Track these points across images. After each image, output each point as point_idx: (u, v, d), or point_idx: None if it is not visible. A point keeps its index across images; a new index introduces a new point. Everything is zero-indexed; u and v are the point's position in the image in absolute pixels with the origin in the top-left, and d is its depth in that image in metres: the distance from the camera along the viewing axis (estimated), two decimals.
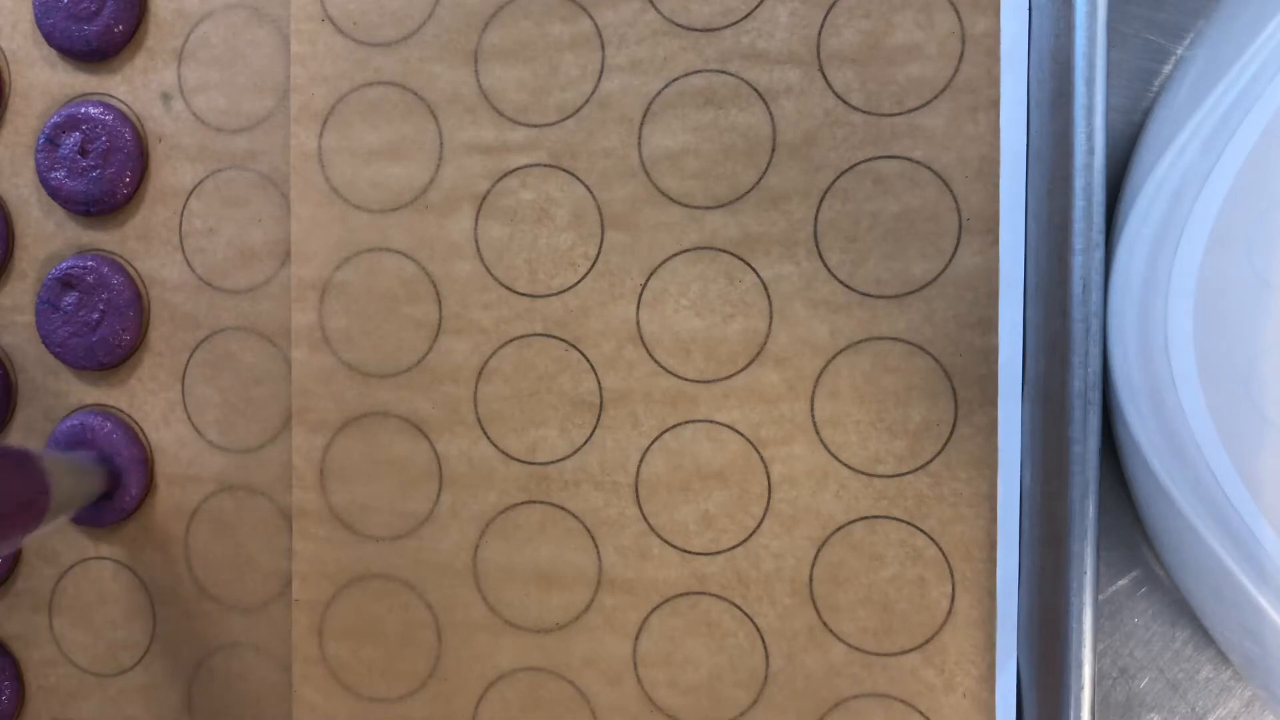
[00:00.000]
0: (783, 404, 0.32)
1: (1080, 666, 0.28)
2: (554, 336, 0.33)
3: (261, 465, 0.36)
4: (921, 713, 0.31)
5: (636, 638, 0.33)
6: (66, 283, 0.37)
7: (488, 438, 0.34)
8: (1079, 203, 0.28)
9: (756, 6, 0.31)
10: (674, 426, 0.32)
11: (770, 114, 0.31)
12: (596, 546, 0.33)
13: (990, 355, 0.30)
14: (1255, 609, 0.25)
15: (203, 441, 0.37)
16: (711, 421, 0.32)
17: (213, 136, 0.36)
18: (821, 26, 0.31)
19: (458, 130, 0.34)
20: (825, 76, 0.31)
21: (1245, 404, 0.25)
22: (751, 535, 0.32)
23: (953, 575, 0.30)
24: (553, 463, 0.33)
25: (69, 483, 0.34)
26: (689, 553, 0.32)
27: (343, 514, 0.35)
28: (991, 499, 0.30)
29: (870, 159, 0.31)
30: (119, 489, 0.36)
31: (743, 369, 0.32)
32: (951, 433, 0.30)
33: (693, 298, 0.32)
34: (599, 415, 0.33)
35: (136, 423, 0.37)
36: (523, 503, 0.34)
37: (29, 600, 0.39)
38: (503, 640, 0.34)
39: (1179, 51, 0.30)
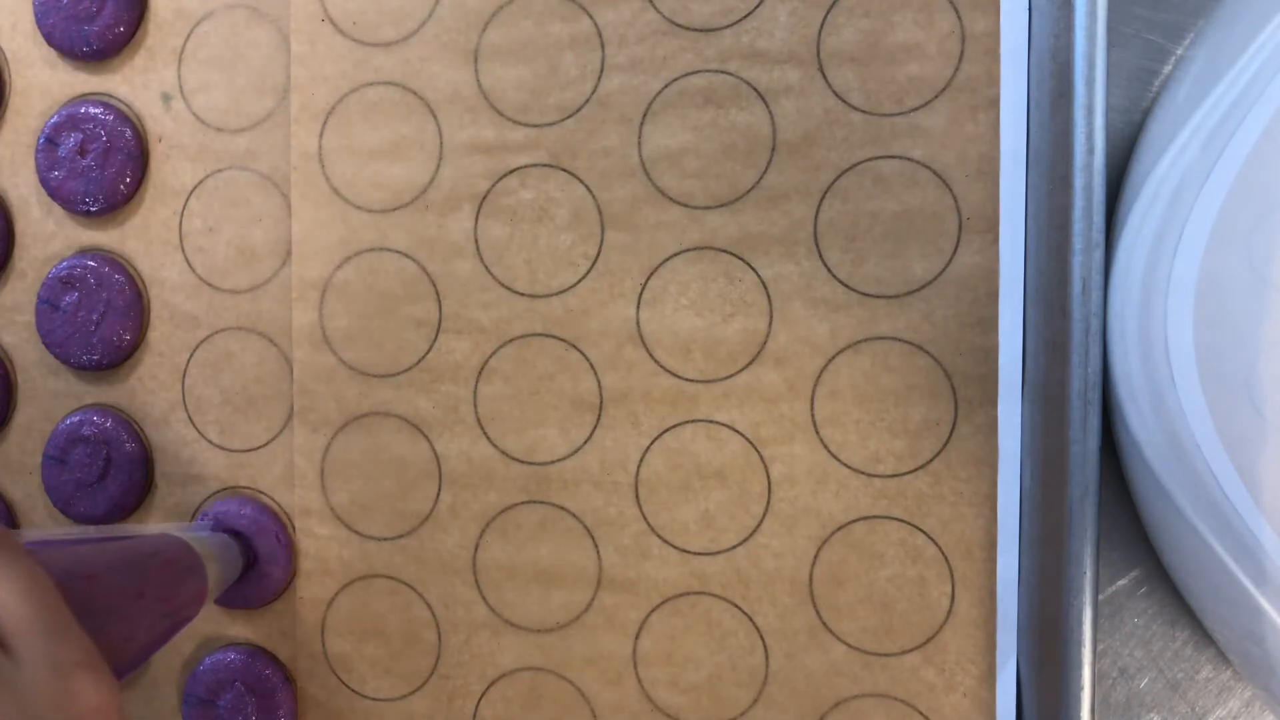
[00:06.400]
0: (783, 403, 0.32)
1: (1080, 666, 0.28)
2: (554, 336, 0.33)
3: (262, 464, 0.36)
4: (921, 712, 0.31)
5: (637, 637, 0.33)
6: (66, 283, 0.37)
7: (487, 437, 0.34)
8: (1079, 203, 0.28)
9: (756, 6, 0.31)
10: (674, 426, 0.32)
11: (770, 113, 0.31)
12: (596, 546, 0.33)
13: (990, 354, 0.30)
14: (1255, 609, 0.25)
15: (203, 441, 0.37)
16: (711, 421, 0.32)
17: (213, 136, 0.36)
18: (821, 26, 0.31)
19: (458, 130, 0.34)
20: (825, 76, 0.31)
21: (1245, 404, 0.25)
22: (751, 535, 0.32)
23: (953, 575, 0.30)
24: (552, 462, 0.33)
25: (217, 566, 0.33)
26: (689, 552, 0.32)
27: (344, 513, 0.35)
28: (991, 498, 0.30)
29: (870, 159, 0.31)
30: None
31: (743, 368, 0.32)
32: (951, 432, 0.30)
33: (692, 297, 0.32)
34: (599, 415, 0.33)
35: (136, 423, 0.37)
36: (523, 502, 0.34)
37: None
38: (503, 639, 0.34)
39: (1179, 51, 0.30)
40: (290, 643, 0.36)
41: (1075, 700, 0.28)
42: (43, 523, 0.38)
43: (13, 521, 0.39)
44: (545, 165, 0.33)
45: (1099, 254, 0.28)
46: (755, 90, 0.31)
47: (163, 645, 0.30)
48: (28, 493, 0.39)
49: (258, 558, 0.35)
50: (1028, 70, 0.29)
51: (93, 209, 0.37)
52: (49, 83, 0.38)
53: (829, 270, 0.31)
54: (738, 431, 0.32)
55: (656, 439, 0.33)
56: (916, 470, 0.31)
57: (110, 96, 0.37)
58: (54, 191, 0.37)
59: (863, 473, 0.31)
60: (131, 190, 0.37)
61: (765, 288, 0.32)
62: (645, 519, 0.33)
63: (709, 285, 0.32)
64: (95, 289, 0.37)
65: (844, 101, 0.31)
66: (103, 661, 0.23)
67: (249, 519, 0.35)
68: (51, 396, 0.38)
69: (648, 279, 0.33)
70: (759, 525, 0.32)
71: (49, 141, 0.37)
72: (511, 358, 0.34)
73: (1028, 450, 0.29)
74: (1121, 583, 0.31)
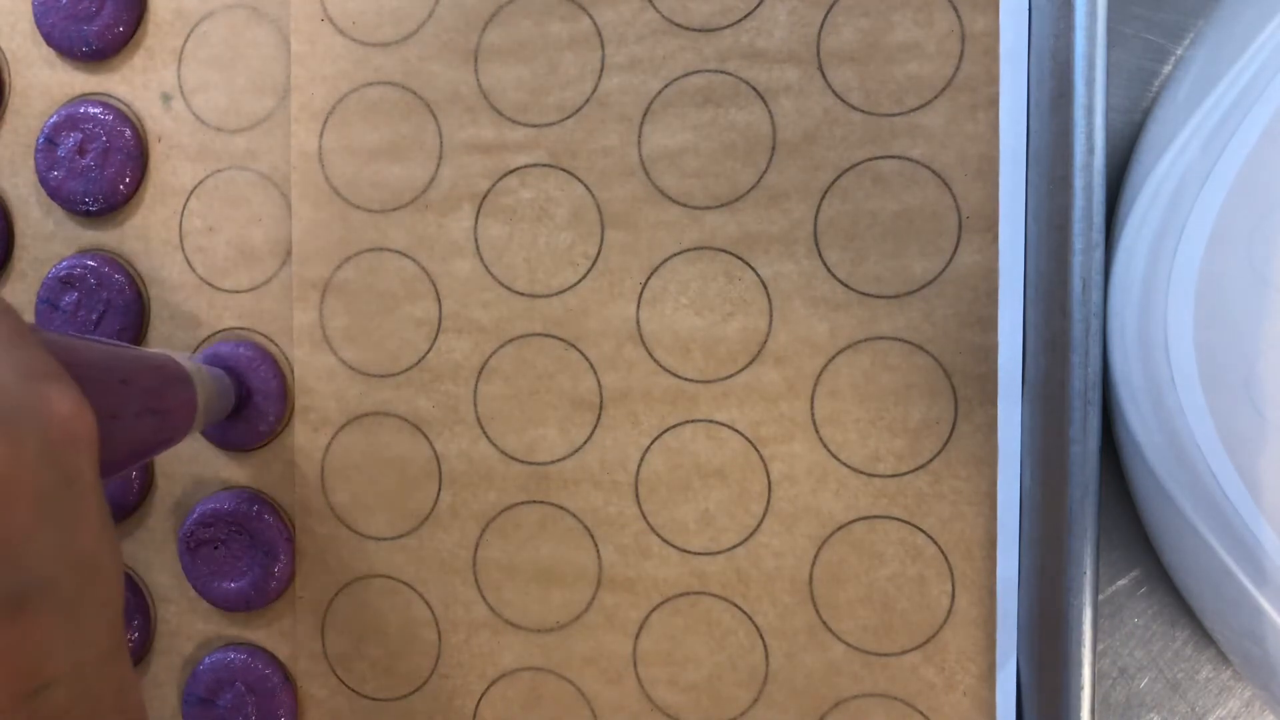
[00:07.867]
0: (782, 403, 0.32)
1: (1080, 666, 0.28)
2: (554, 336, 0.33)
3: (262, 464, 0.36)
4: (921, 712, 0.31)
5: (637, 636, 0.33)
6: (66, 283, 0.37)
7: (487, 437, 0.34)
8: (1079, 203, 0.28)
9: (756, 6, 0.31)
10: (674, 426, 0.32)
11: (770, 113, 0.31)
12: (596, 545, 0.33)
13: (990, 353, 0.30)
14: (1255, 609, 0.25)
15: (202, 440, 0.37)
16: (711, 420, 0.32)
17: (213, 136, 0.36)
18: (821, 26, 0.31)
19: (457, 130, 0.34)
20: (824, 75, 0.31)
21: (1245, 404, 0.25)
22: (752, 534, 0.32)
23: (952, 574, 0.30)
24: (552, 462, 0.33)
25: (205, 385, 0.32)
26: (689, 552, 0.32)
27: (344, 513, 0.35)
28: (991, 497, 0.30)
29: (870, 158, 0.31)
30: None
31: (743, 368, 0.32)
32: (951, 431, 0.30)
33: (692, 296, 0.32)
34: (599, 414, 0.33)
35: None
36: (522, 502, 0.34)
37: None
38: (503, 639, 0.34)
39: (1179, 51, 0.30)
40: (290, 643, 0.36)
41: (1075, 700, 0.28)
42: None
43: None
44: (545, 165, 0.33)
45: (1099, 254, 0.28)
46: (755, 90, 0.31)
47: (150, 454, 0.29)
48: None
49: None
50: (1027, 70, 0.29)
51: (92, 209, 0.37)
52: (48, 83, 0.38)
53: (828, 269, 0.31)
54: (737, 431, 0.32)
55: (656, 439, 0.33)
56: (916, 470, 0.31)
57: (110, 96, 0.37)
58: (53, 191, 0.37)
59: (862, 472, 0.31)
60: (131, 190, 0.37)
61: (765, 287, 0.32)
62: (645, 518, 0.33)
63: (708, 284, 0.32)
64: (95, 289, 0.37)
65: (843, 101, 0.31)
66: (76, 386, 0.21)
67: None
68: None
69: (648, 278, 0.33)
70: (759, 525, 0.32)
71: (48, 141, 0.37)
72: (511, 357, 0.34)
73: (1028, 450, 0.29)
74: (1121, 583, 0.31)
